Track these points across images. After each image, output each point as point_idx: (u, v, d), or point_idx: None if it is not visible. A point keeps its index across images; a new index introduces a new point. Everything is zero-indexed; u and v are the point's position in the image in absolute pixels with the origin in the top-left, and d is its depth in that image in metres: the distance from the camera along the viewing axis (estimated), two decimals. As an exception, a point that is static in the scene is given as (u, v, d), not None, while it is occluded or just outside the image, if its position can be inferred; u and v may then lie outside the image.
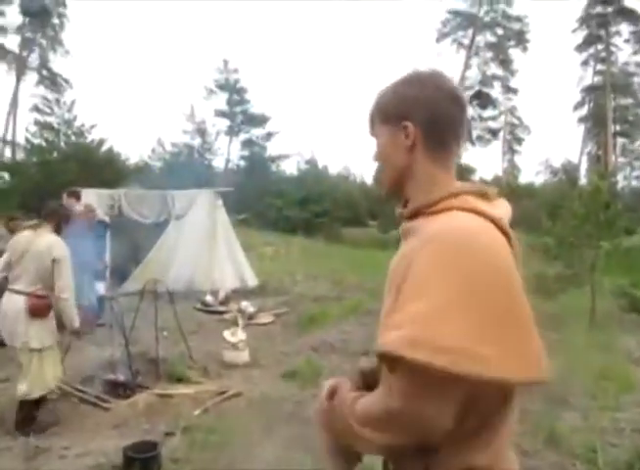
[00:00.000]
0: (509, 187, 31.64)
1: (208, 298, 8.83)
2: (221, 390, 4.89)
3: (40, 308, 4.05)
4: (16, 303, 4.05)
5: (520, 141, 43.47)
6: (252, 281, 10.54)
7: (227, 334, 6.05)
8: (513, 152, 43.93)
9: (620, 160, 41.87)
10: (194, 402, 4.57)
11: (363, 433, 1.07)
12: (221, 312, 8.35)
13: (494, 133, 41.26)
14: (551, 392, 5.04)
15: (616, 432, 4.28)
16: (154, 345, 5.86)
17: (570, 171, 40.50)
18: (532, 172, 50.83)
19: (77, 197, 7.46)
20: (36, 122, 30.90)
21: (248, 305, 8.25)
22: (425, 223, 1.11)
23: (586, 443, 3.92)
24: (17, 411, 4.06)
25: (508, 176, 39.55)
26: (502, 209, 1.18)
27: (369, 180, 45.55)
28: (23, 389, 4.01)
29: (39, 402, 4.12)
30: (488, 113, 41.02)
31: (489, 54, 40.75)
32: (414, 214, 1.17)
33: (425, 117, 1.16)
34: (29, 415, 4.04)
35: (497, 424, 1.08)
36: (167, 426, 4.11)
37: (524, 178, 41.58)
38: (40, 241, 4.12)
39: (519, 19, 39.41)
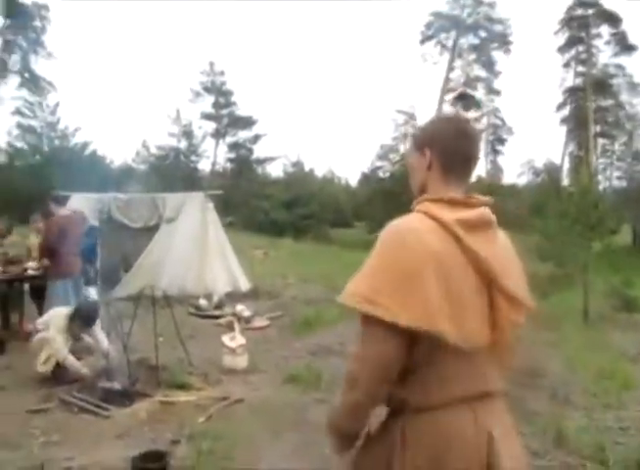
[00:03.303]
0: (490, 188, 32.00)
1: (202, 302, 8.73)
2: (223, 396, 4.82)
3: None
4: None
5: (502, 142, 43.93)
6: (245, 285, 10.46)
7: (226, 339, 5.96)
8: (496, 153, 44.34)
9: (601, 160, 42.45)
10: (197, 409, 4.50)
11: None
12: (216, 317, 8.26)
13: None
14: (554, 391, 5.07)
15: (621, 430, 4.30)
16: (151, 351, 5.77)
17: (552, 172, 40.94)
18: (515, 173, 51.28)
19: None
20: (19, 126, 30.51)
21: (243, 309, 8.16)
22: None
23: (594, 442, 3.92)
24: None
25: (491, 178, 39.88)
26: (467, 213, 1.45)
27: (353, 182, 45.80)
28: None
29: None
30: (472, 114, 41.22)
31: (473, 56, 41.03)
32: None
33: (438, 148, 1.54)
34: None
35: (437, 369, 1.40)
36: (172, 434, 4.03)
37: (506, 179, 41.95)
38: None
39: (501, 21, 39.74)
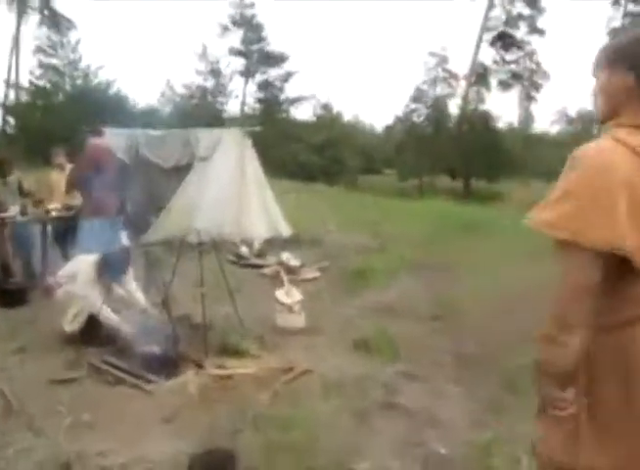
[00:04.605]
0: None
1: (243, 249, 7.85)
2: (287, 366, 3.95)
3: None
4: None
5: (537, 88, 41.15)
6: (286, 231, 9.52)
7: (280, 294, 5.09)
8: (530, 99, 41.77)
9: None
10: (257, 384, 3.63)
11: None
12: (259, 266, 7.40)
13: (518, 77, 39.05)
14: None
15: None
16: (191, 306, 4.96)
17: (586, 121, 38.68)
18: (548, 121, 48.85)
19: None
20: (40, 64, 29.46)
21: (290, 258, 7.26)
22: None
23: None
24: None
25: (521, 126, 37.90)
26: None
27: (379, 128, 43.89)
28: None
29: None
30: (512, 55, 38.69)
31: (515, -9, 38.13)
32: None
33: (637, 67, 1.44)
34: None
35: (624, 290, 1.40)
36: (232, 418, 3.18)
37: (538, 127, 39.69)
38: None
39: (548, -48, 36.73)
